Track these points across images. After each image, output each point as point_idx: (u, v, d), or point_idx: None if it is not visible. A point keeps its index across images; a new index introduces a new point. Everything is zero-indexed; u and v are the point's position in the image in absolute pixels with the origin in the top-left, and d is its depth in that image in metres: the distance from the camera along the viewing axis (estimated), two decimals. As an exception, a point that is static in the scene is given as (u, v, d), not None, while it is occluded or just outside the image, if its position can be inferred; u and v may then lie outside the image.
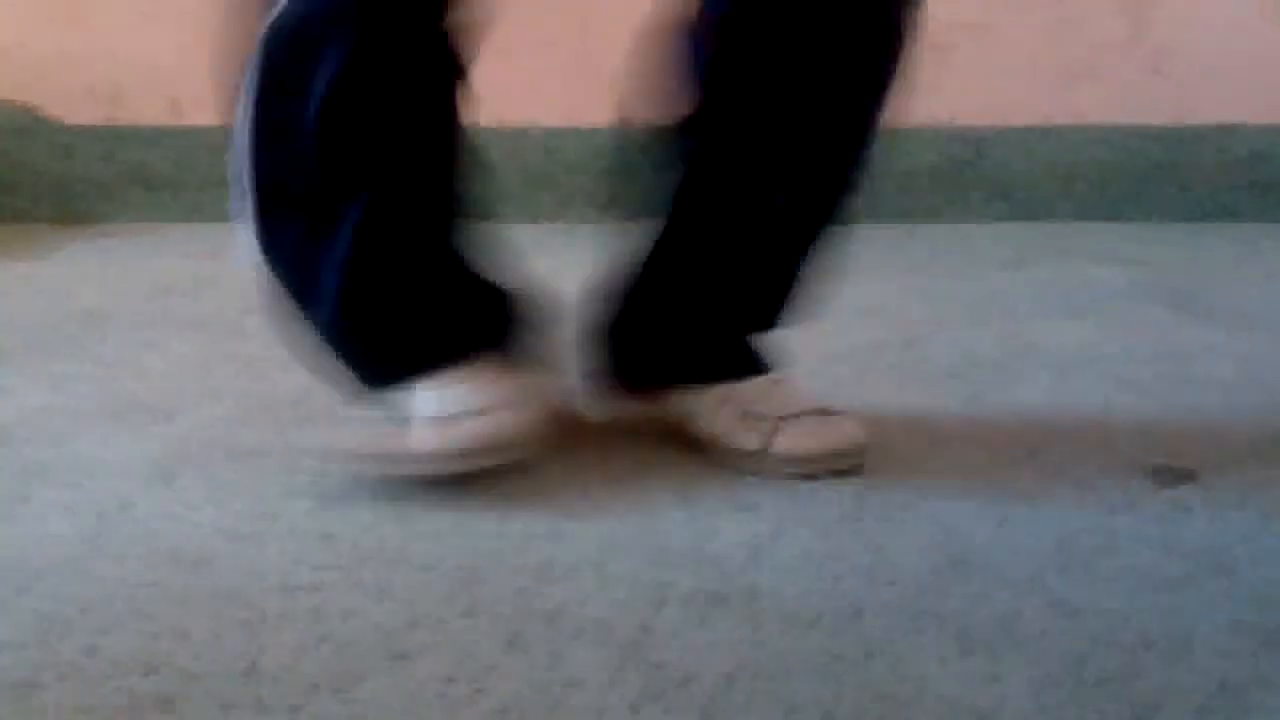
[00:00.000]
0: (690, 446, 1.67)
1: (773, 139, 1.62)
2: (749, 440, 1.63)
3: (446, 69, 1.58)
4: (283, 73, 1.53)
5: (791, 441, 1.61)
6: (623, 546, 1.42)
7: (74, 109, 2.99)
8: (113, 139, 2.99)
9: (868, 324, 2.22)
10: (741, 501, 1.53)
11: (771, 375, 1.69)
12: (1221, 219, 3.04)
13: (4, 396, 1.90)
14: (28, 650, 1.22)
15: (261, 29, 1.52)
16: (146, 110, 2.98)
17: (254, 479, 1.60)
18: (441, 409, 1.59)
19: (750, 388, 1.67)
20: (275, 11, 1.51)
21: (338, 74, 1.50)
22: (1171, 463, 1.64)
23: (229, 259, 2.66)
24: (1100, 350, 2.09)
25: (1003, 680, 1.16)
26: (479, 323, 1.66)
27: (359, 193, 1.55)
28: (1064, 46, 3.01)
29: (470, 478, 1.55)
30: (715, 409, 1.66)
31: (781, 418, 1.63)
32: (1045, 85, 3.02)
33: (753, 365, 1.70)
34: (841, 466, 1.61)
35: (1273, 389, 1.93)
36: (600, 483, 1.59)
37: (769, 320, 1.71)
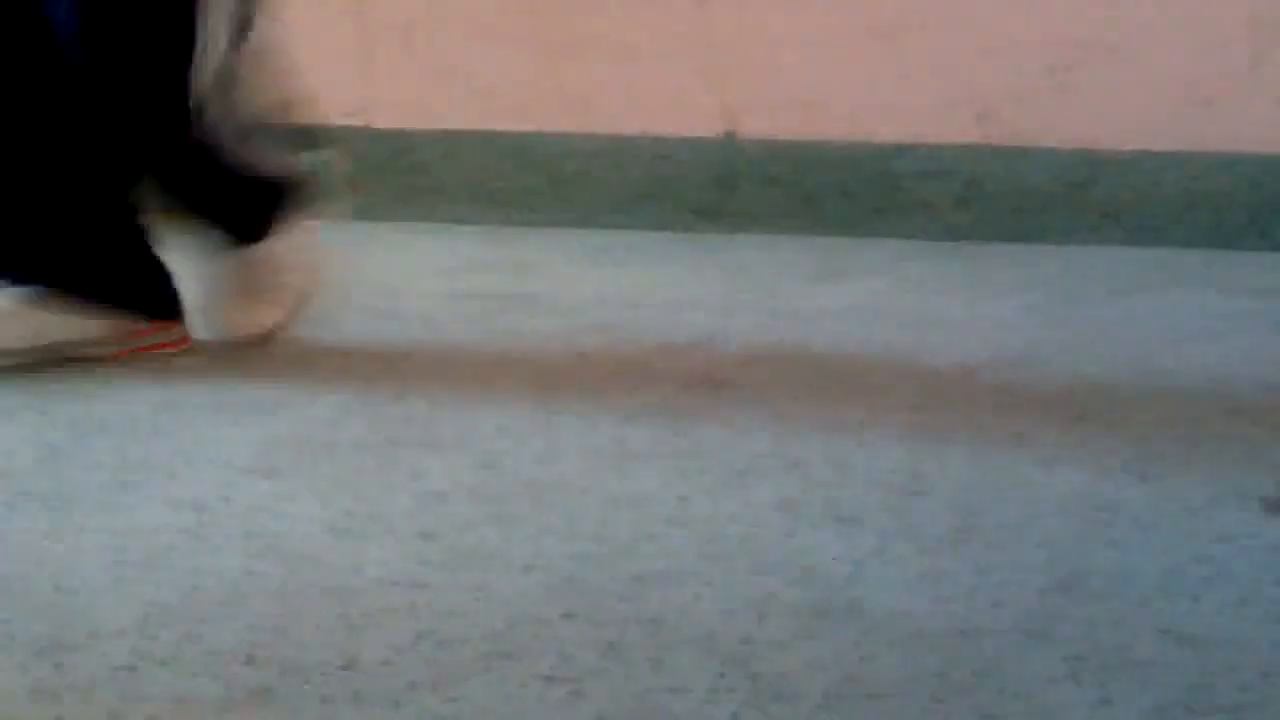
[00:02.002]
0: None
1: None
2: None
3: None
4: None
5: None
6: (723, 555, 1.40)
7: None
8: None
9: (976, 342, 2.19)
10: (843, 514, 1.51)
11: None
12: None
13: (106, 388, 1.91)
14: (128, 638, 1.22)
15: None
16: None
17: (354, 475, 1.60)
18: None
19: None
20: None
21: None
22: (1286, 492, 1.61)
23: (329, 256, 2.68)
24: (1216, 376, 2.05)
25: (1115, 706, 1.13)
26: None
27: None
28: (1186, 73, 2.97)
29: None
30: None
31: None
32: (1165, 111, 2.97)
33: None
34: None
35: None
36: (700, 489, 1.58)
37: None
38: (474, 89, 2.95)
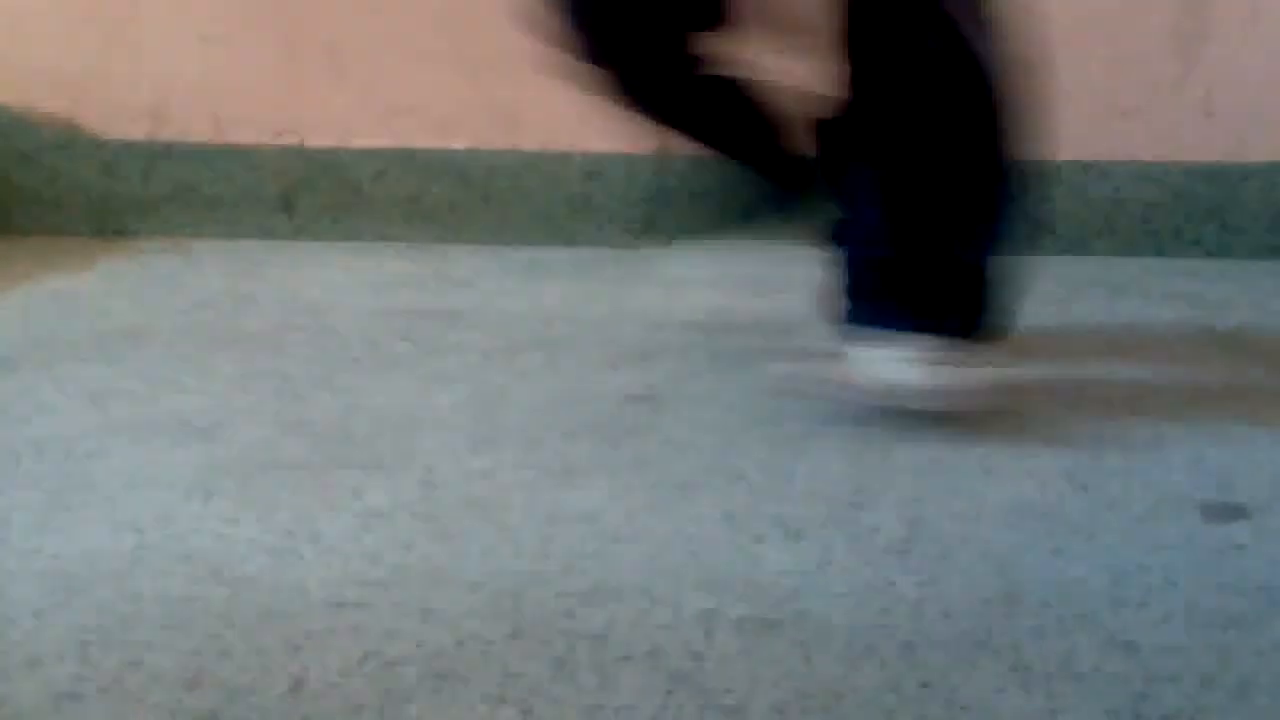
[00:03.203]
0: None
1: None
2: None
3: None
4: None
5: None
6: (669, 570, 1.40)
7: (115, 124, 2.99)
8: (153, 155, 2.99)
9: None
10: (787, 527, 1.51)
11: None
12: (1270, 257, 3.01)
13: (43, 411, 1.89)
14: (69, 663, 1.20)
15: None
16: (188, 127, 2.98)
17: (294, 495, 1.59)
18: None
19: None
20: None
21: None
22: (1223, 499, 1.62)
23: (266, 276, 2.66)
24: (1152, 384, 2.07)
25: (1062, 715, 1.13)
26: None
27: None
28: (1110, 83, 2.99)
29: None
30: None
31: None
32: (1092, 122, 3.00)
33: None
34: None
35: (1324, 427, 1.90)
36: (643, 504, 1.57)
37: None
38: (402, 107, 2.94)
